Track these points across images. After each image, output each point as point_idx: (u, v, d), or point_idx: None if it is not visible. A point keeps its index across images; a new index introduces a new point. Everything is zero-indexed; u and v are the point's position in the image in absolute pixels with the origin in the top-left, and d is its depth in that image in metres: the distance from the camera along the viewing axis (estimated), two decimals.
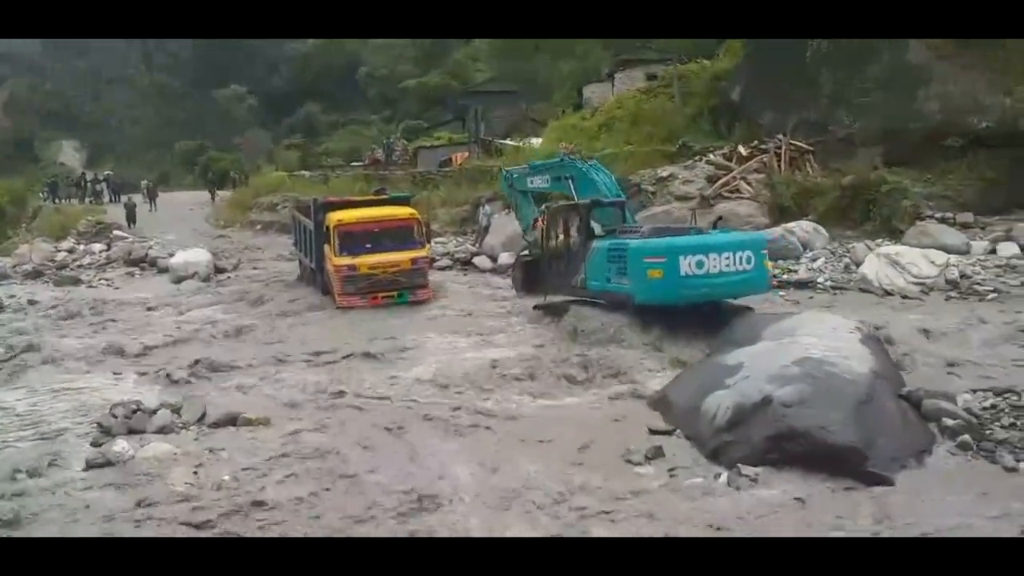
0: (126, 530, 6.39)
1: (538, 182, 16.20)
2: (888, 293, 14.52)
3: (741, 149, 21.46)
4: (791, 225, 17.85)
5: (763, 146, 21.26)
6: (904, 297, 14.28)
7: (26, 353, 12.59)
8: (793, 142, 21.00)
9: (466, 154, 35.41)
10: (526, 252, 16.29)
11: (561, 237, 13.65)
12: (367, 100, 64.80)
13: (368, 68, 64.79)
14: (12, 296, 18.62)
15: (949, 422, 7.48)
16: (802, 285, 15.52)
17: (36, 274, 22.53)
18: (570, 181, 14.76)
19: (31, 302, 18.02)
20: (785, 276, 15.88)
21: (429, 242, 17.61)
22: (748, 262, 11.29)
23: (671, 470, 7.32)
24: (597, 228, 12.98)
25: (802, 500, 6.45)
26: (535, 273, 14.71)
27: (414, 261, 15.88)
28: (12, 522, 6.55)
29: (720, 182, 20.37)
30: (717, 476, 7.08)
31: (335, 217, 16.21)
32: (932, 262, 14.89)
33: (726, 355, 9.15)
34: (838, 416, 7.15)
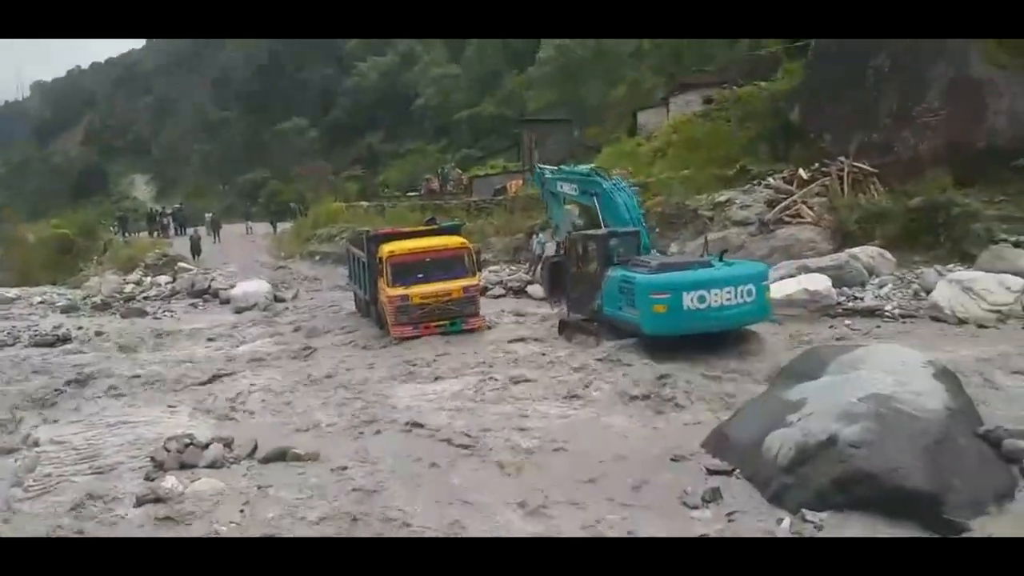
0: None
1: (567, 188, 16.76)
2: (962, 321, 13.78)
3: (802, 172, 20.84)
4: (856, 250, 17.14)
5: (825, 168, 20.62)
6: (979, 326, 13.51)
7: (86, 385, 12.90)
8: (856, 164, 20.29)
9: (520, 182, 35.41)
10: (554, 256, 16.79)
11: (581, 262, 14.40)
12: (423, 130, 65.87)
13: (424, 99, 65.85)
14: (80, 328, 19.19)
15: None
16: (868, 314, 14.88)
17: (105, 306, 23.28)
18: (595, 198, 14.93)
19: (98, 333, 18.52)
20: (850, 304, 15.27)
21: (480, 271, 17.56)
22: (749, 295, 12.03)
23: (729, 514, 6.95)
24: (622, 249, 13.60)
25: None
26: (563, 276, 15.22)
27: (465, 290, 15.90)
28: None
29: (780, 206, 19.81)
30: (779, 521, 6.69)
31: (387, 249, 16.32)
32: (1008, 288, 14.06)
33: (788, 389, 8.70)
34: (909, 457, 6.69)
